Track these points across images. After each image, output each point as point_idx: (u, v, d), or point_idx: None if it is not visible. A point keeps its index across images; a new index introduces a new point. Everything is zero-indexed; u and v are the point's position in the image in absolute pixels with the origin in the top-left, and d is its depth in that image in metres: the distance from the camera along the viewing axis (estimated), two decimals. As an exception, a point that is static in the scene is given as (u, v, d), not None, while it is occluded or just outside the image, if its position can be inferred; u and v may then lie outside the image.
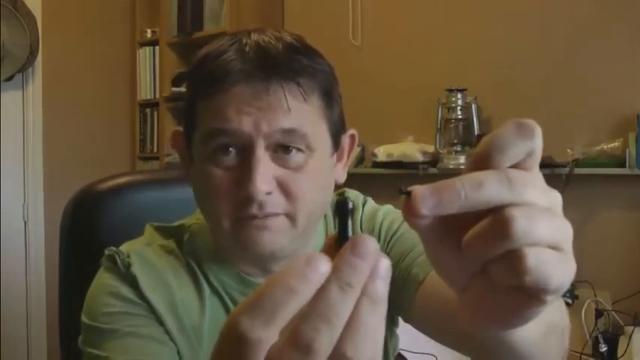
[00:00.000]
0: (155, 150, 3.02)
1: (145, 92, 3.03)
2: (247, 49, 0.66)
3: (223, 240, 0.73)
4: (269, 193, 0.65)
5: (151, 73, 3.01)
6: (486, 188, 0.32)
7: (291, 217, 0.68)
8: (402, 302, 0.73)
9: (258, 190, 0.64)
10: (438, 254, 0.36)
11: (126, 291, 0.71)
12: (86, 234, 1.04)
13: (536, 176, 0.34)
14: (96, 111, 2.97)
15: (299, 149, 0.67)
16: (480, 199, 0.32)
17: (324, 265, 0.31)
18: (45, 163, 2.75)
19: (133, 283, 0.72)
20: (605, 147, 1.92)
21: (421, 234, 0.35)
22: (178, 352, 0.72)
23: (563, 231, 0.33)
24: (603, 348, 1.60)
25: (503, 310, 0.35)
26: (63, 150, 2.82)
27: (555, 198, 0.34)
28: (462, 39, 2.30)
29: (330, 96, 0.70)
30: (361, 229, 0.83)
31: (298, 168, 0.67)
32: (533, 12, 2.14)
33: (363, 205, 0.85)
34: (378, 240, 0.77)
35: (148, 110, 3.05)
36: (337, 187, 0.78)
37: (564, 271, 0.33)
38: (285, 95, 0.65)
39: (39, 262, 2.72)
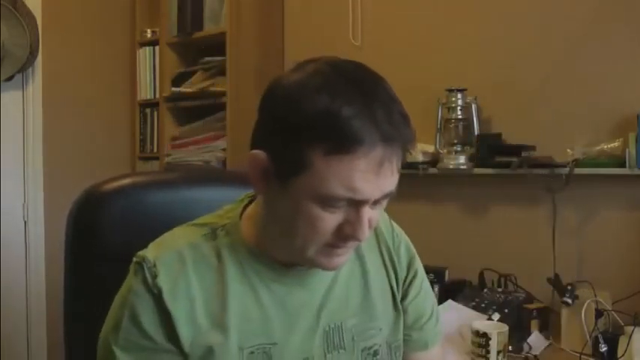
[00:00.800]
0: (155, 150, 3.01)
1: (145, 92, 3.03)
2: (379, 116, 0.70)
3: (291, 254, 0.81)
4: None
5: (151, 73, 3.00)
6: None
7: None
8: (406, 344, 0.94)
9: (365, 237, 0.75)
10: None
11: (147, 321, 0.76)
12: (91, 235, 1.04)
13: None
14: (96, 111, 2.97)
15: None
16: None
17: None
18: (45, 163, 2.74)
19: (158, 294, 0.77)
20: (605, 147, 1.92)
21: None
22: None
23: None
24: (603, 348, 1.60)
25: None
26: (63, 150, 2.82)
27: None
28: (462, 39, 2.30)
29: None
30: (400, 256, 0.96)
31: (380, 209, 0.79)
32: (533, 12, 2.14)
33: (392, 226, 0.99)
34: (409, 268, 0.96)
35: (148, 110, 3.05)
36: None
37: None
38: (395, 163, 0.73)
39: (39, 262, 2.72)
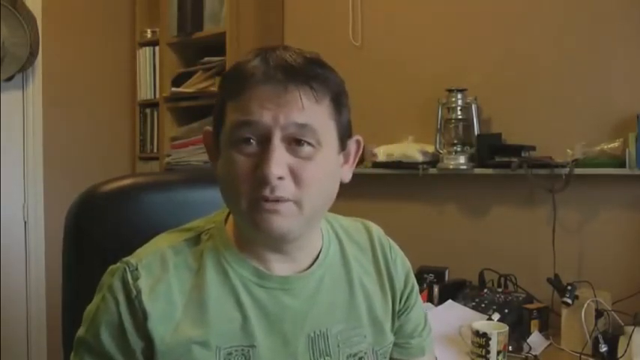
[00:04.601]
0: (155, 150, 3.02)
1: (145, 92, 3.03)
2: (270, 58, 0.77)
3: (242, 223, 0.81)
4: (281, 178, 0.75)
5: (151, 73, 3.01)
6: None
7: (298, 204, 0.77)
8: (401, 349, 0.98)
9: (272, 174, 0.73)
10: None
11: (109, 332, 0.77)
12: (90, 235, 1.04)
13: None
14: (96, 111, 2.97)
15: (309, 143, 0.77)
16: None
17: None
18: (45, 163, 2.74)
19: (136, 294, 0.77)
20: (605, 147, 1.92)
21: None
22: None
23: None
24: (603, 348, 1.60)
25: None
26: (63, 150, 2.82)
27: None
28: (462, 39, 2.30)
29: (339, 102, 0.81)
30: (397, 266, 0.97)
31: (308, 158, 0.77)
32: (534, 12, 2.14)
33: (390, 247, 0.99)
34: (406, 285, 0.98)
35: (148, 110, 3.05)
36: (342, 186, 0.86)
37: None
38: (300, 96, 0.75)
39: (39, 262, 2.72)
